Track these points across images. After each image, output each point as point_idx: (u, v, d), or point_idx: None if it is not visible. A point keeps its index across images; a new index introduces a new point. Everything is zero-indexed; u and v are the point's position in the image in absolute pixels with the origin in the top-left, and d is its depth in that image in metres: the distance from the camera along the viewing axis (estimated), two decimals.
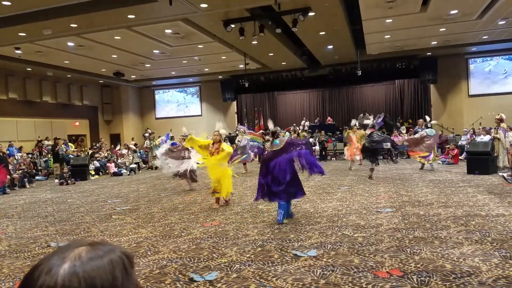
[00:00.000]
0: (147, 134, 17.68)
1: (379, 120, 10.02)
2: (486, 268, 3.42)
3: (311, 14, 10.62)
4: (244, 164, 12.74)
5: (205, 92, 21.79)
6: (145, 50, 14.10)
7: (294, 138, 5.53)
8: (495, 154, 10.12)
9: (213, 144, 6.97)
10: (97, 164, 14.65)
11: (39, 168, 14.82)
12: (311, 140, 17.55)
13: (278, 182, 5.44)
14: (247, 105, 23.78)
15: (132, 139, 18.03)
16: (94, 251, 0.61)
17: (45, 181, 13.74)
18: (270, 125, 5.91)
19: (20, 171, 12.19)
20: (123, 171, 14.78)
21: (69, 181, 12.15)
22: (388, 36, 13.44)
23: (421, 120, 14.99)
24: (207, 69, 18.52)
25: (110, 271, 0.59)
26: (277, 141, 5.66)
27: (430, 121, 12.09)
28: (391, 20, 11.52)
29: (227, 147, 7.21)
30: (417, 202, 6.51)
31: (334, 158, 16.59)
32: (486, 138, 11.91)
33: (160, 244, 4.73)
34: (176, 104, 22.39)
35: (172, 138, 10.82)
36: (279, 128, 5.97)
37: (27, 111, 16.61)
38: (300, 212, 6.21)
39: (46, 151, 15.37)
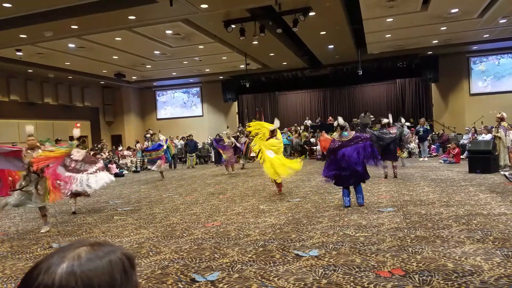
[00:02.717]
0: (148, 135, 17.70)
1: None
2: (488, 267, 3.41)
3: (311, 14, 10.62)
4: (227, 165, 12.76)
5: (206, 93, 21.81)
6: (146, 51, 14.12)
7: (360, 133, 6.92)
8: (496, 153, 10.10)
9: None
10: None
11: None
12: (312, 140, 17.56)
13: (346, 168, 6.26)
14: (248, 105, 23.78)
15: (137, 142, 18.06)
16: (94, 252, 0.61)
17: None
18: (340, 120, 6.74)
19: None
20: (125, 172, 14.81)
21: None
22: (389, 35, 13.43)
23: (422, 119, 15.01)
24: (208, 70, 18.53)
25: (108, 272, 0.59)
26: (345, 133, 6.54)
27: (405, 122, 12.03)
28: (392, 19, 11.51)
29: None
30: (418, 201, 6.50)
31: None
32: (488, 136, 11.87)
33: (162, 245, 4.74)
34: (178, 105, 22.43)
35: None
36: (347, 124, 6.84)
37: (28, 113, 16.65)
38: (301, 212, 6.21)
39: None
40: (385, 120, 9.97)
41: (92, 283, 0.57)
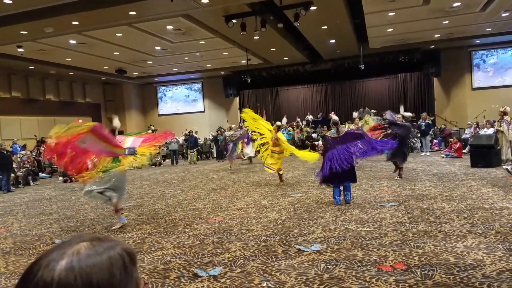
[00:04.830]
0: (150, 131, 17.71)
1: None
2: (490, 261, 3.41)
3: (312, 8, 10.56)
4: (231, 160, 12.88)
5: (208, 89, 21.77)
6: (147, 46, 14.08)
7: (354, 130, 6.80)
8: (499, 147, 10.06)
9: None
10: None
11: (43, 166, 14.88)
12: (313, 135, 17.55)
13: (338, 166, 6.12)
14: (249, 101, 23.74)
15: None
16: (94, 248, 0.61)
17: (49, 178, 13.82)
18: (334, 116, 6.73)
19: (24, 169, 12.26)
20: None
21: (73, 178, 12.19)
22: (391, 30, 13.35)
23: (424, 114, 14.95)
24: (209, 65, 18.48)
25: (108, 268, 0.59)
26: (333, 130, 6.50)
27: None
28: (393, 13, 11.43)
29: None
30: (420, 196, 6.50)
31: None
32: (490, 131, 11.83)
33: (164, 240, 4.75)
34: (180, 101, 22.42)
35: None
36: (339, 121, 6.79)
37: (30, 109, 16.66)
38: (303, 207, 6.22)
39: (44, 149, 15.34)
40: (407, 114, 9.36)
41: (91, 279, 0.57)
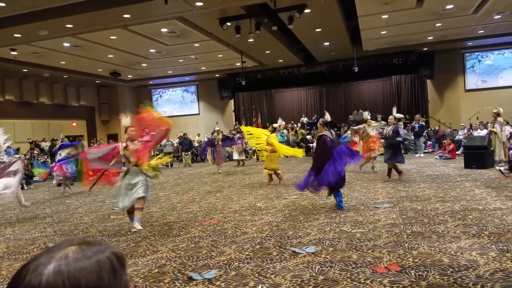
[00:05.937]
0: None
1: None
2: (484, 262, 3.44)
3: (307, 11, 10.62)
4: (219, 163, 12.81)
5: (202, 91, 21.78)
6: (141, 49, 14.07)
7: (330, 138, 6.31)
8: (492, 148, 10.14)
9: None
10: None
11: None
12: (308, 137, 17.61)
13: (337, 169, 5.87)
14: (244, 103, 23.77)
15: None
16: (82, 252, 0.60)
17: (43, 182, 13.70)
18: (327, 115, 6.80)
19: None
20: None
21: (67, 182, 12.09)
22: (385, 32, 13.45)
23: (418, 116, 15.06)
24: (203, 68, 18.50)
25: (96, 271, 0.59)
26: (331, 132, 6.35)
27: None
28: (387, 16, 11.53)
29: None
30: (414, 197, 6.53)
31: None
32: (483, 132, 11.94)
33: (159, 244, 4.73)
34: (175, 103, 22.41)
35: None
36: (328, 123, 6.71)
37: (24, 113, 16.56)
38: (298, 209, 6.23)
39: (37, 152, 15.22)
40: (398, 115, 9.22)
41: (79, 283, 0.56)
